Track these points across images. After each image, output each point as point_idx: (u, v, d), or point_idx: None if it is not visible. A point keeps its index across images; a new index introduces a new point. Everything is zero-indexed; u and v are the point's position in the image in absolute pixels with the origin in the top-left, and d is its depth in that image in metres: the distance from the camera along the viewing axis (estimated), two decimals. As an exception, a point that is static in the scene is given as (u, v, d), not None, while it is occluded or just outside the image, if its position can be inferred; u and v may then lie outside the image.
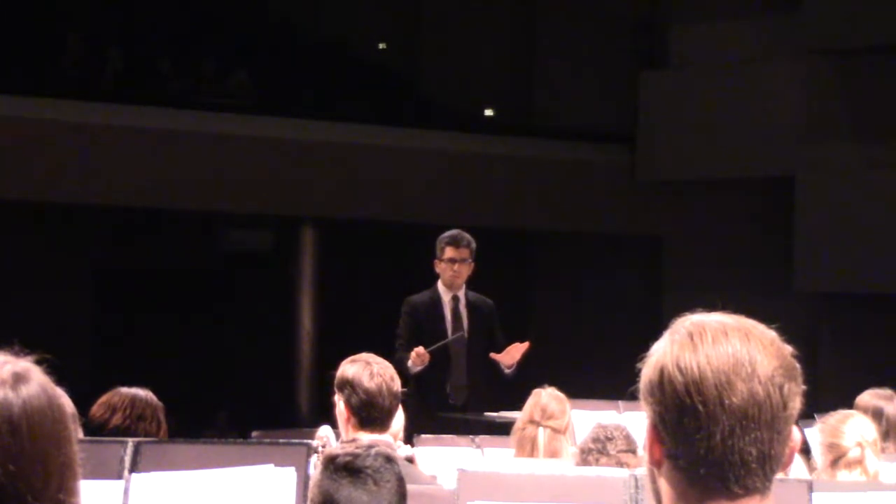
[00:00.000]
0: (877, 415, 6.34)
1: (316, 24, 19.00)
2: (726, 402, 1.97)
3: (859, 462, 5.18)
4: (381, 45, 19.86)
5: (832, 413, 5.42)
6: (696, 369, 1.99)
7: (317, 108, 16.23)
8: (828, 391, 7.02)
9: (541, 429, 5.99)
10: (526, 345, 8.72)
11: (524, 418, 6.08)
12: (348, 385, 5.15)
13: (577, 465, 5.28)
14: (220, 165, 14.94)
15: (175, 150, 14.75)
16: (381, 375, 5.15)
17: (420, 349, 8.51)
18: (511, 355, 8.67)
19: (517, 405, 6.37)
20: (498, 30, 18.78)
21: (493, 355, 8.73)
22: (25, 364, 2.01)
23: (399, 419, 5.31)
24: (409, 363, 8.46)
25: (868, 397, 6.61)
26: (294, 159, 15.34)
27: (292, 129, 15.42)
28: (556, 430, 5.99)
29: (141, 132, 14.56)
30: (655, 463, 2.04)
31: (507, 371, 8.73)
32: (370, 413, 5.12)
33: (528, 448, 5.98)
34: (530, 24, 18.71)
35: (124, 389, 5.10)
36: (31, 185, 14.14)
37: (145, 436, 4.83)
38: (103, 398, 5.06)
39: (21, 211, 15.12)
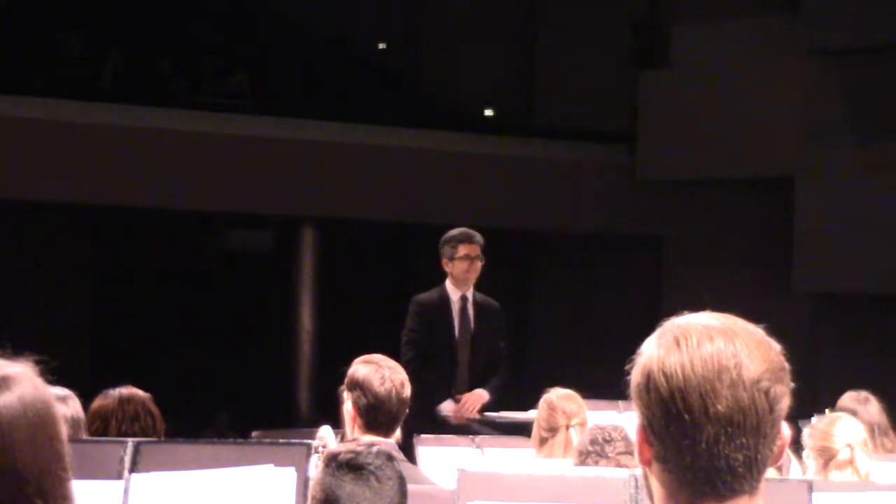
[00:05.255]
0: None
1: (316, 25, 19.00)
2: (711, 410, 1.98)
3: (850, 463, 5.24)
4: (381, 45, 19.86)
5: (820, 417, 5.49)
6: (680, 376, 1.99)
7: (317, 108, 16.22)
8: (828, 391, 7.03)
9: (572, 429, 6.00)
10: (486, 397, 8.55)
11: (545, 427, 6.04)
12: (358, 387, 5.12)
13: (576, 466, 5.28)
14: (220, 165, 14.92)
15: (175, 150, 14.74)
16: (391, 381, 5.12)
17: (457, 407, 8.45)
18: (472, 404, 8.49)
19: (517, 406, 6.36)
20: (498, 30, 18.77)
21: (454, 406, 8.50)
22: (14, 369, 1.98)
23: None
24: (449, 414, 8.40)
25: (846, 400, 6.67)
26: (294, 159, 15.33)
27: (292, 130, 15.40)
28: (583, 426, 6.00)
29: (141, 132, 14.55)
30: (646, 463, 2.05)
31: (450, 417, 8.49)
32: (377, 417, 5.11)
33: (568, 451, 5.96)
34: (530, 24, 18.71)
35: (111, 393, 5.09)
36: (31, 185, 14.13)
37: (144, 434, 4.84)
38: (93, 407, 5.04)
39: (20, 210, 15.12)
